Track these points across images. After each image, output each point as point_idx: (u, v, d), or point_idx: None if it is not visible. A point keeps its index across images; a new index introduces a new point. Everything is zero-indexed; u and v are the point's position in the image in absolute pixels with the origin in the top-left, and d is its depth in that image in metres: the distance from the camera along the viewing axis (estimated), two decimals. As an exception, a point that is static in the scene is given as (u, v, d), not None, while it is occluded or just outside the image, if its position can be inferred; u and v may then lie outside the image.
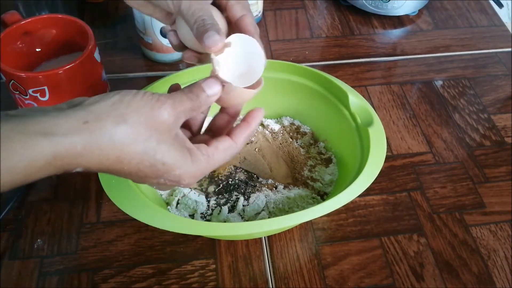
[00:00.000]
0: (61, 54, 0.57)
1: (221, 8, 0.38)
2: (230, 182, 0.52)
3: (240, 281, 0.47)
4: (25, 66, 0.55)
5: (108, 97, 0.30)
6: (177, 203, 0.49)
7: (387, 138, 0.54)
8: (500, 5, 0.75)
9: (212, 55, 0.35)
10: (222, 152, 0.35)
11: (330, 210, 0.42)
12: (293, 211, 0.47)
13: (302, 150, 0.55)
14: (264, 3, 0.76)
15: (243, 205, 0.49)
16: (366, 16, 0.77)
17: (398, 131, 0.61)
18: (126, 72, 0.66)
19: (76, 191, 0.53)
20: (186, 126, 0.38)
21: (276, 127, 0.57)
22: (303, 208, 0.49)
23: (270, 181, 0.52)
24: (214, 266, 0.48)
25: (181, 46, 0.40)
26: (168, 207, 0.49)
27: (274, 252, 0.49)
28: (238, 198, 0.50)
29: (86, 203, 0.52)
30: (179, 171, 0.32)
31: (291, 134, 0.57)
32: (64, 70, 0.49)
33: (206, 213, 0.49)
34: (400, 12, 0.75)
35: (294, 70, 0.54)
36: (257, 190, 0.50)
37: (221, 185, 0.51)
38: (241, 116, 0.56)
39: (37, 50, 0.56)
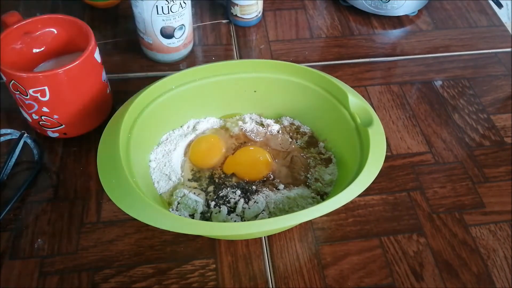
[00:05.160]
0: (61, 54, 0.58)
1: None
2: (229, 183, 0.52)
3: (240, 280, 0.47)
4: (25, 66, 0.55)
5: None
6: (178, 203, 0.49)
7: (386, 138, 0.54)
8: (500, 5, 0.75)
9: None
10: None
11: (330, 210, 0.42)
12: (293, 211, 0.47)
13: (302, 150, 0.55)
14: (264, 3, 0.76)
15: (243, 207, 0.49)
16: (366, 17, 0.77)
17: (398, 131, 0.61)
18: (127, 72, 0.66)
19: (76, 191, 0.53)
20: None
21: (276, 127, 0.57)
22: (303, 208, 0.49)
23: (270, 178, 0.52)
24: (214, 266, 0.48)
25: None
26: (170, 209, 0.49)
27: (274, 252, 0.49)
28: (238, 199, 0.50)
29: (86, 203, 0.52)
30: None
31: (291, 134, 0.57)
32: (65, 70, 0.49)
33: (206, 213, 0.49)
34: (400, 12, 0.75)
35: (294, 71, 0.54)
36: (257, 190, 0.50)
37: (221, 186, 0.51)
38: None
39: (37, 50, 0.56)
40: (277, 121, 0.58)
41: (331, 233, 0.51)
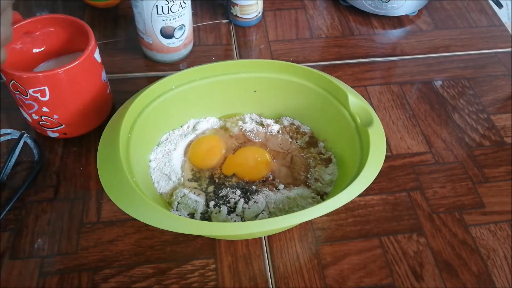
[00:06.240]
0: (61, 54, 0.58)
1: None
2: (229, 183, 0.52)
3: (240, 280, 0.47)
4: (25, 66, 0.55)
5: None
6: (178, 203, 0.49)
7: (386, 138, 0.54)
8: (500, 6, 0.75)
9: None
10: None
11: (330, 210, 0.42)
12: (293, 211, 0.47)
13: (302, 150, 0.55)
14: (264, 3, 0.76)
15: (243, 207, 0.49)
16: (366, 17, 0.77)
17: (398, 131, 0.61)
18: (127, 72, 0.66)
19: (76, 191, 0.53)
20: None
21: (276, 127, 0.57)
22: (303, 208, 0.49)
23: (270, 178, 0.52)
24: (214, 266, 0.48)
25: None
26: (171, 209, 0.49)
27: (274, 252, 0.49)
28: (238, 199, 0.50)
29: (86, 203, 0.52)
30: None
31: (291, 134, 0.57)
32: (65, 70, 0.49)
33: (206, 213, 0.49)
34: (400, 12, 0.75)
35: (294, 71, 0.54)
36: (257, 191, 0.50)
37: (221, 186, 0.51)
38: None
39: (37, 50, 0.56)
40: (277, 121, 0.58)
41: (331, 233, 0.51)
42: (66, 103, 0.52)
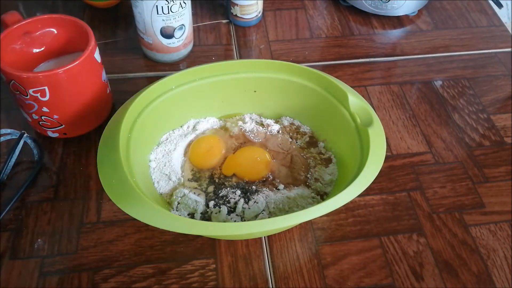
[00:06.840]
0: (61, 55, 0.58)
1: None
2: (229, 183, 0.52)
3: (240, 280, 0.47)
4: (25, 66, 0.55)
5: None
6: (178, 203, 0.49)
7: (386, 138, 0.54)
8: (500, 6, 0.75)
9: None
10: None
11: (330, 210, 0.42)
12: (293, 211, 0.47)
13: (302, 150, 0.55)
14: (264, 3, 0.76)
15: (243, 207, 0.49)
16: (366, 17, 0.77)
17: (398, 131, 0.61)
18: (127, 72, 0.66)
19: (76, 191, 0.53)
20: None
21: (276, 127, 0.57)
22: (303, 208, 0.49)
23: (270, 178, 0.52)
24: (214, 266, 0.48)
25: None
26: (171, 209, 0.49)
27: (274, 252, 0.49)
28: (238, 199, 0.50)
29: (86, 203, 0.52)
30: None
31: (291, 134, 0.57)
32: (65, 70, 0.49)
33: (206, 213, 0.49)
34: (400, 12, 0.75)
35: (294, 71, 0.54)
36: (257, 191, 0.50)
37: (221, 186, 0.51)
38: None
39: (37, 50, 0.56)
40: (277, 121, 0.58)
41: (331, 233, 0.51)
42: (66, 103, 0.53)
